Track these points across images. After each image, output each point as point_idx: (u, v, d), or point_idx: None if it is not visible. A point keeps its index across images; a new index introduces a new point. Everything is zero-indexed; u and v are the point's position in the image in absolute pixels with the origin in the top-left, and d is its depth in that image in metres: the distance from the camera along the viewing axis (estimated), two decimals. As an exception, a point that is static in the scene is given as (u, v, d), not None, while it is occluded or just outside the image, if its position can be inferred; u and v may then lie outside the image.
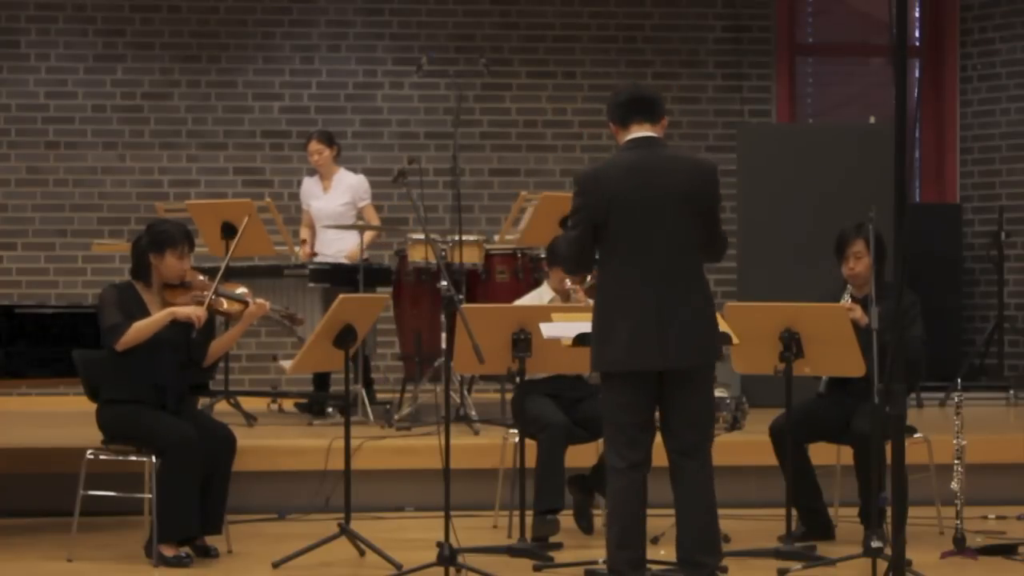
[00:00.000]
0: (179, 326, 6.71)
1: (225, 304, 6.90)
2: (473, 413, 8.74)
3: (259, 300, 6.99)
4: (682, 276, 5.66)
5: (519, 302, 7.57)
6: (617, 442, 5.71)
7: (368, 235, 9.32)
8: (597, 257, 5.78)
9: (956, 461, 6.80)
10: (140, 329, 6.66)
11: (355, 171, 9.83)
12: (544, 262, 7.63)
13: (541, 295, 7.60)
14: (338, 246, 9.46)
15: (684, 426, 5.71)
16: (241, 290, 7.03)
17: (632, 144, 5.76)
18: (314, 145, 9.57)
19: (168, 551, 6.55)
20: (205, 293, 6.82)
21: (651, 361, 5.61)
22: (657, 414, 5.78)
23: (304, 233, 9.71)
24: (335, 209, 9.47)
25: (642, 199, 5.64)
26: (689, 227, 5.69)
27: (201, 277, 6.93)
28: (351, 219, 9.48)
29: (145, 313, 6.74)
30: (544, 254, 7.63)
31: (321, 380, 9.58)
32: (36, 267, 11.46)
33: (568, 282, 7.39)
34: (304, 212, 9.77)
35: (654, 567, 5.96)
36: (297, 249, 9.63)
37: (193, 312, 6.70)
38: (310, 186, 9.75)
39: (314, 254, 9.58)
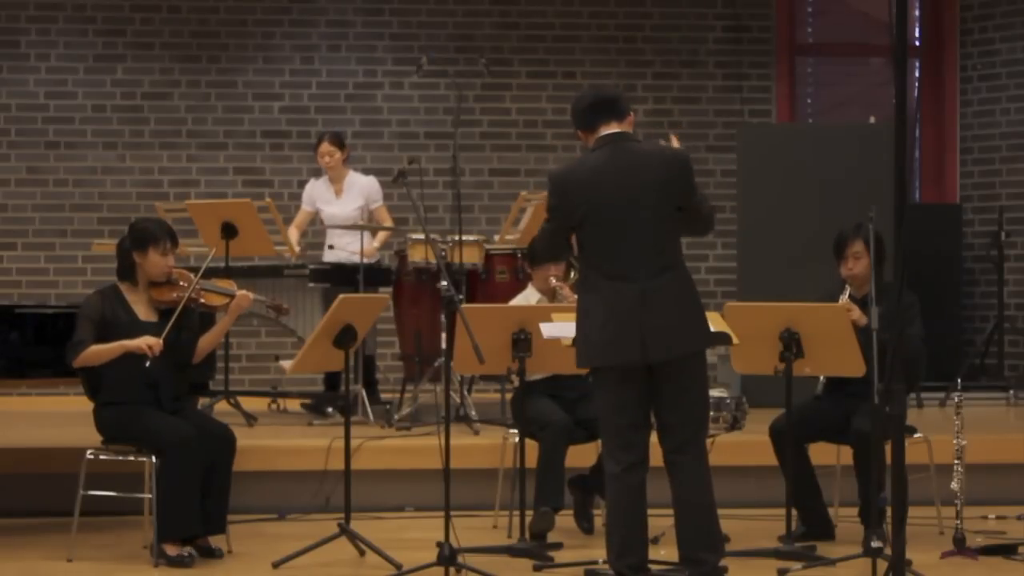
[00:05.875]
0: (163, 325, 6.69)
1: (205, 298, 6.89)
2: (473, 413, 8.74)
3: (242, 291, 6.98)
4: (660, 268, 5.66)
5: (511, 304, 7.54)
6: (611, 445, 5.72)
7: (381, 235, 9.29)
8: (577, 253, 5.84)
9: (956, 461, 6.80)
10: (94, 354, 6.66)
11: (363, 173, 9.76)
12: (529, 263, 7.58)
13: (528, 297, 7.56)
14: (356, 247, 9.28)
15: (677, 421, 5.71)
16: (225, 284, 7.03)
17: (601, 142, 5.75)
18: (326, 147, 9.42)
19: (171, 550, 6.55)
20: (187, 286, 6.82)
21: (631, 355, 5.60)
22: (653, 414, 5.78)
23: (293, 233, 9.56)
24: (349, 214, 9.36)
25: (613, 197, 5.65)
26: (664, 218, 5.68)
27: (179, 274, 6.88)
28: (364, 222, 9.36)
29: (130, 314, 6.75)
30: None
31: (332, 380, 9.54)
32: (36, 267, 11.46)
33: (553, 280, 7.39)
34: (301, 211, 9.68)
35: (655, 567, 5.96)
36: (298, 249, 9.59)
37: (144, 343, 6.62)
38: (320, 190, 9.59)
39: (303, 254, 9.50)
